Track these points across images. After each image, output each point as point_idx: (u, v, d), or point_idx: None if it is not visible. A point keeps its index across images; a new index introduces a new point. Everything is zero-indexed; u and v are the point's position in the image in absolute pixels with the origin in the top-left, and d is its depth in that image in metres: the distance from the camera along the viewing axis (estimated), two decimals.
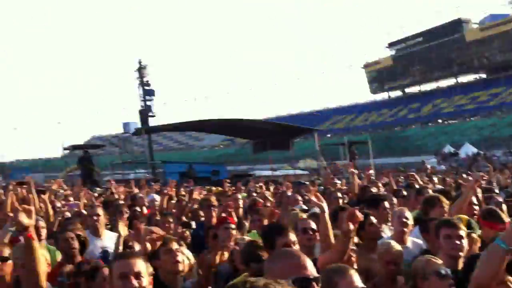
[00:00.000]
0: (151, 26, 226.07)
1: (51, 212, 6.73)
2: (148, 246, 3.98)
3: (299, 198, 7.87)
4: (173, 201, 8.42)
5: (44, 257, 3.49)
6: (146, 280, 2.80)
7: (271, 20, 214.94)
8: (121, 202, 8.39)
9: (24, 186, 8.61)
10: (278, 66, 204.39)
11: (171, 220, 6.14)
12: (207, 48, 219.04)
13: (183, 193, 10.00)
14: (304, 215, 5.81)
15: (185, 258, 4.09)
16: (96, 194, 11.17)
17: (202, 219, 6.52)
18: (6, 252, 3.77)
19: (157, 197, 9.17)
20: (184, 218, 6.93)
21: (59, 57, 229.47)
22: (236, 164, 38.03)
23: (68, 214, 7.42)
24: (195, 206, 7.27)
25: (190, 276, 3.89)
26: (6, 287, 3.69)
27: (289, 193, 8.54)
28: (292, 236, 3.76)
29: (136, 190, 10.75)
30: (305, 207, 7.24)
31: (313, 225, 4.51)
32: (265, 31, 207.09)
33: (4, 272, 3.70)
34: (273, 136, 27.50)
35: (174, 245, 3.91)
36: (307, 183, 12.81)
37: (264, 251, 3.67)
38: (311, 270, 2.20)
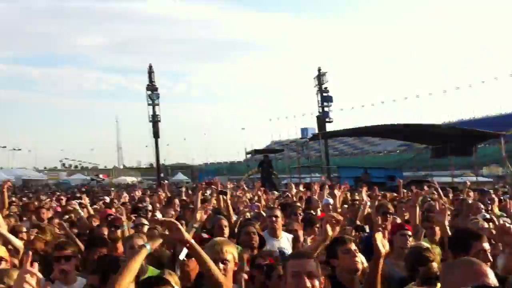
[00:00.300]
0: (332, 32, 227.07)
1: (231, 212, 7.11)
2: (329, 230, 3.98)
3: (482, 206, 7.43)
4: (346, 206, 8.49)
5: (231, 255, 3.55)
6: (319, 281, 2.84)
7: (451, 21, 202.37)
8: (298, 204, 8.69)
9: (212, 186, 9.36)
10: (461, 69, 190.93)
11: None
12: (384, 53, 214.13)
13: (357, 197, 10.01)
14: (486, 224, 5.49)
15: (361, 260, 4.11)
16: (274, 197, 11.68)
17: None
18: None
19: (332, 201, 9.30)
20: (358, 222, 6.95)
21: (248, 69, 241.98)
22: (413, 170, 36.62)
23: (248, 215, 7.91)
24: (370, 210, 7.25)
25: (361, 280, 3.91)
26: (190, 282, 3.96)
27: (470, 201, 8.08)
28: (487, 244, 3.60)
29: (309, 193, 10.99)
30: (487, 215, 6.82)
31: None
32: (446, 31, 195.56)
33: (189, 268, 3.99)
34: (454, 141, 25.99)
35: (353, 246, 3.93)
36: (491, 191, 11.93)
37: (430, 253, 3.55)
38: (492, 278, 2.14)
